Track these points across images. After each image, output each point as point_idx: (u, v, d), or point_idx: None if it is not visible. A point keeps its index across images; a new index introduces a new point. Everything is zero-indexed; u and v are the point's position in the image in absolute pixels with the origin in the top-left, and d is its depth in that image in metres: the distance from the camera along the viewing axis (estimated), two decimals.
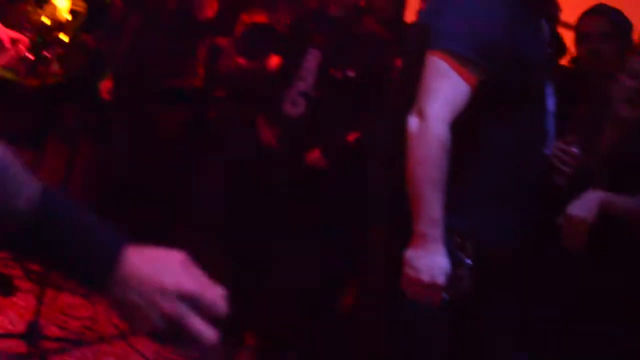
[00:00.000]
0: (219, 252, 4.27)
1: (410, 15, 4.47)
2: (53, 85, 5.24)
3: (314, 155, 4.05)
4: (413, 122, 2.25)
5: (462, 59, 2.23)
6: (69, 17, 5.78)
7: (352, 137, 4.08)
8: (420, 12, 3.88)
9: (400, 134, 2.28)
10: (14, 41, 3.66)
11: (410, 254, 2.25)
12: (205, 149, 4.78)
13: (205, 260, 1.18)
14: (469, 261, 2.28)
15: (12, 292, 4.11)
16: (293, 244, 4.07)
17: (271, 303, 4.19)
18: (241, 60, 4.69)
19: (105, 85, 4.64)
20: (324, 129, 4.07)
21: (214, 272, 1.13)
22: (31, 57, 5.02)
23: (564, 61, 3.84)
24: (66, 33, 5.69)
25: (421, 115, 2.23)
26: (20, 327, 3.68)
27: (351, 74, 4.09)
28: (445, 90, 2.24)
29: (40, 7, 5.93)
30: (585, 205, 2.44)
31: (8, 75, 5.11)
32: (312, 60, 4.21)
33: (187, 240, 4.61)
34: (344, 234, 3.89)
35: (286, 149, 4.16)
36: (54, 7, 5.90)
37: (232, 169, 4.43)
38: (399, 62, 3.56)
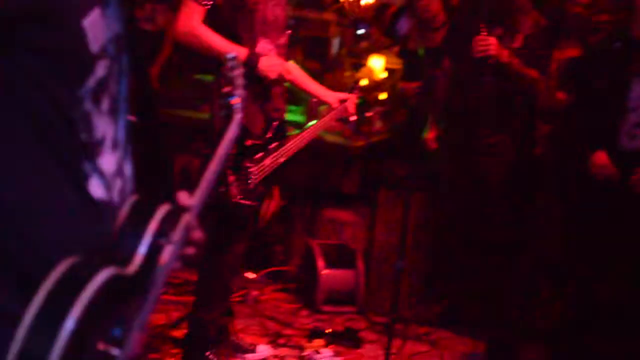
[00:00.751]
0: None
1: None
2: (379, 142, 5.43)
3: None
4: None
5: None
6: (385, 75, 6.00)
7: None
8: None
9: None
10: (342, 101, 3.87)
11: None
12: (535, 189, 4.66)
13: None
14: None
15: (359, 344, 4.26)
16: None
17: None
18: (561, 96, 4.55)
19: (431, 135, 4.70)
20: None
21: None
22: (354, 118, 5.27)
23: None
24: (384, 91, 5.91)
25: None
26: None
27: None
28: None
29: (357, 70, 6.24)
30: None
31: (336, 139, 5.39)
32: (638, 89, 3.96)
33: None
34: None
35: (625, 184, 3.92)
36: (370, 69, 6.17)
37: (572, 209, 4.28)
38: None
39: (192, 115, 5.04)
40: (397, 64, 5.82)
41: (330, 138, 5.36)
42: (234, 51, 3.30)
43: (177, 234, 1.29)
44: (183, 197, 1.39)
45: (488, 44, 4.06)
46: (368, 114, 5.44)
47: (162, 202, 1.31)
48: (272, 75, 3.44)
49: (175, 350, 3.75)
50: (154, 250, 1.24)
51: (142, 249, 1.22)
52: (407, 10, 5.74)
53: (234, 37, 3.42)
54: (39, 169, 1.18)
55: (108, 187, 1.28)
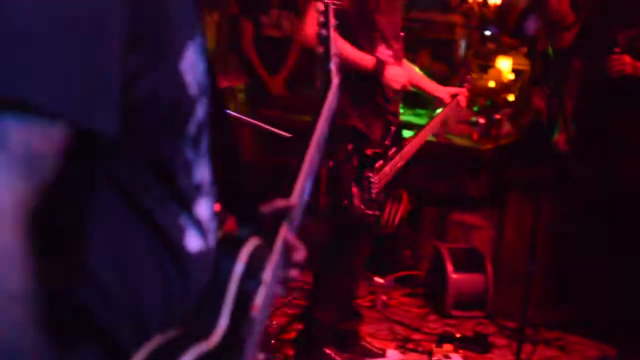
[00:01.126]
0: None
1: None
2: (508, 145, 5.36)
3: None
4: None
5: None
6: (513, 77, 5.92)
7: None
8: None
9: None
10: (453, 96, 3.87)
11: None
12: None
13: None
14: None
15: (488, 349, 4.23)
16: None
17: None
18: None
19: (561, 138, 4.61)
20: None
21: None
22: (482, 120, 5.23)
23: None
24: (512, 92, 5.83)
25: None
26: None
27: None
28: None
29: (485, 72, 6.18)
30: None
31: (465, 142, 5.36)
32: None
33: None
34: None
35: None
36: (498, 70, 6.10)
37: None
38: None
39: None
40: (524, 65, 5.73)
41: (459, 141, 5.34)
42: (364, 60, 3.39)
43: (268, 272, 1.22)
44: (280, 201, 1.33)
45: (623, 62, 4.01)
46: (496, 116, 5.38)
47: (248, 237, 1.21)
48: (397, 86, 3.48)
49: (291, 351, 3.84)
50: (243, 300, 1.16)
51: (223, 321, 1.12)
52: (535, 10, 5.64)
53: (354, 43, 3.47)
54: (138, 247, 1.07)
55: (204, 235, 1.16)
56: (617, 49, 4.05)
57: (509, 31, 6.40)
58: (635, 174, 4.20)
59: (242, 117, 3.61)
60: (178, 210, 1.11)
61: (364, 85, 3.48)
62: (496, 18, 6.87)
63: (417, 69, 4.10)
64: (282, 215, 1.34)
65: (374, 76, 3.41)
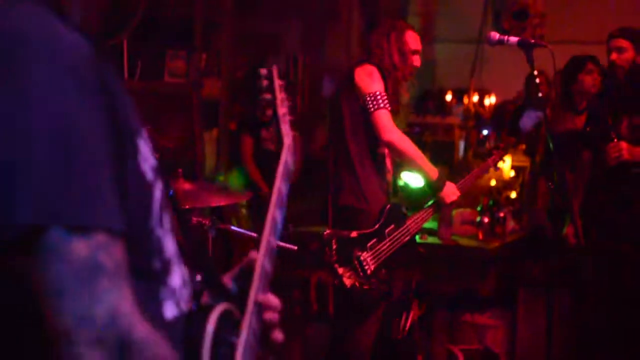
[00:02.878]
0: None
1: None
2: (514, 242, 5.34)
3: None
4: None
5: None
6: (514, 174, 5.95)
7: None
8: None
9: None
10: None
11: None
12: None
13: None
14: None
15: None
16: None
17: None
18: None
19: (570, 231, 4.60)
20: None
21: None
22: (487, 219, 5.23)
23: None
24: (514, 189, 5.85)
25: None
26: None
27: None
28: None
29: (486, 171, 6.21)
30: None
31: (471, 242, 5.34)
32: None
33: None
34: None
35: None
36: (499, 169, 6.13)
37: None
38: None
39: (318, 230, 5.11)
40: (524, 161, 5.78)
41: (465, 242, 5.32)
42: (431, 170, 3.58)
43: (243, 335, 1.25)
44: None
45: (619, 149, 4.07)
46: (500, 214, 5.37)
47: (216, 304, 1.27)
48: (449, 201, 3.61)
49: None
50: None
51: None
52: (530, 106, 5.73)
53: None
54: None
55: (178, 302, 1.25)
56: (613, 135, 4.11)
57: (505, 128, 6.47)
58: None
59: (246, 232, 3.64)
60: (157, 286, 1.19)
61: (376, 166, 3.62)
62: (492, 117, 6.98)
63: None
64: (248, 277, 1.37)
65: (432, 187, 3.56)
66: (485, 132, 6.68)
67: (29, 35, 1.03)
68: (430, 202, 3.83)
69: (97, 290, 1.00)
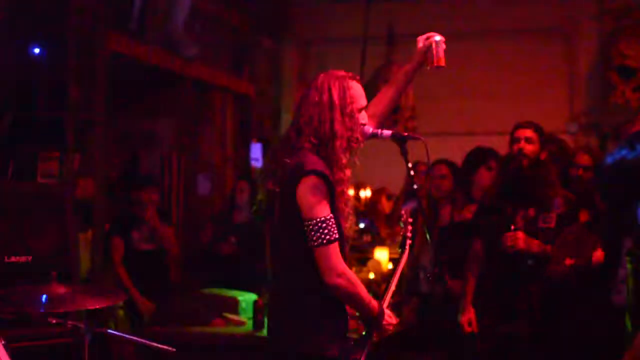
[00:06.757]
0: None
1: None
2: (393, 335, 5.33)
3: None
4: None
5: None
6: (392, 266, 6.02)
7: None
8: None
9: None
10: None
11: None
12: None
13: None
14: None
15: None
16: None
17: None
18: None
19: (465, 318, 4.57)
20: None
21: None
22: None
23: None
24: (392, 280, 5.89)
25: None
26: None
27: None
28: None
29: (364, 264, 6.27)
30: None
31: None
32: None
33: None
34: None
35: None
36: (377, 261, 6.21)
37: None
38: None
39: (203, 330, 5.00)
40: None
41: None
42: (372, 302, 3.06)
43: None
44: None
45: (516, 238, 4.21)
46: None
47: None
48: (386, 333, 3.17)
49: None
50: None
51: None
52: (409, 196, 5.81)
53: None
54: None
55: None
56: (513, 227, 4.25)
57: (383, 220, 6.58)
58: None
59: (123, 335, 3.50)
60: None
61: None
62: (369, 209, 7.08)
63: None
64: None
65: (371, 321, 3.06)
66: (362, 225, 6.76)
67: None
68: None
69: None
